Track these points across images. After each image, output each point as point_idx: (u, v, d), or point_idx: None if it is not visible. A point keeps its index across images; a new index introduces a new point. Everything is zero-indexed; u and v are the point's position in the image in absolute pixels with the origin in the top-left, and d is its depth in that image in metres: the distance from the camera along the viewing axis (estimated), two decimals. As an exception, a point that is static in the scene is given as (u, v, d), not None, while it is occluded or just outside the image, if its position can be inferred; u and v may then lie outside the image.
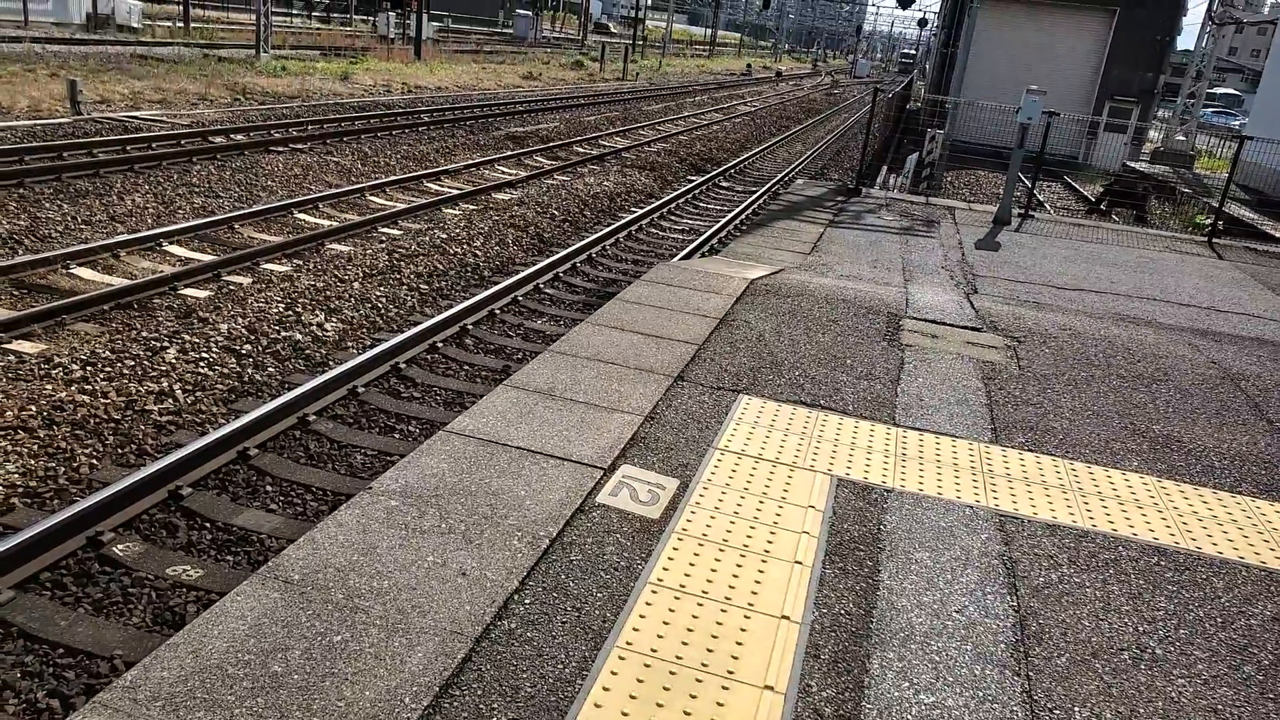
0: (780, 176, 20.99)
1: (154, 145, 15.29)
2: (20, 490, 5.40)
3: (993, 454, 5.12)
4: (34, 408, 6.23)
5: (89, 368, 6.93)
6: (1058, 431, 5.56)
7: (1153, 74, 30.01)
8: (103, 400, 6.50)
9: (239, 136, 17.15)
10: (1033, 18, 30.08)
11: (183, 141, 15.95)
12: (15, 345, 7.28)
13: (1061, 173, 26.21)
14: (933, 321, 7.68)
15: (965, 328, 7.61)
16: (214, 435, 5.87)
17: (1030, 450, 5.23)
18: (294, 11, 63.32)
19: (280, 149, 16.66)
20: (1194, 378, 6.94)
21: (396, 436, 6.65)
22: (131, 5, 37.62)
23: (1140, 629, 3.64)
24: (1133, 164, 27.57)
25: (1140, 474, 5.09)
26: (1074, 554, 4.15)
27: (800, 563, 3.82)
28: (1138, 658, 3.45)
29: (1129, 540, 4.33)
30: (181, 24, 40.05)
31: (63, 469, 5.67)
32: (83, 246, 9.57)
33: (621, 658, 3.12)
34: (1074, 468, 5.07)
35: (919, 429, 5.36)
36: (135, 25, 36.65)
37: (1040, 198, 21.18)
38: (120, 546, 5.00)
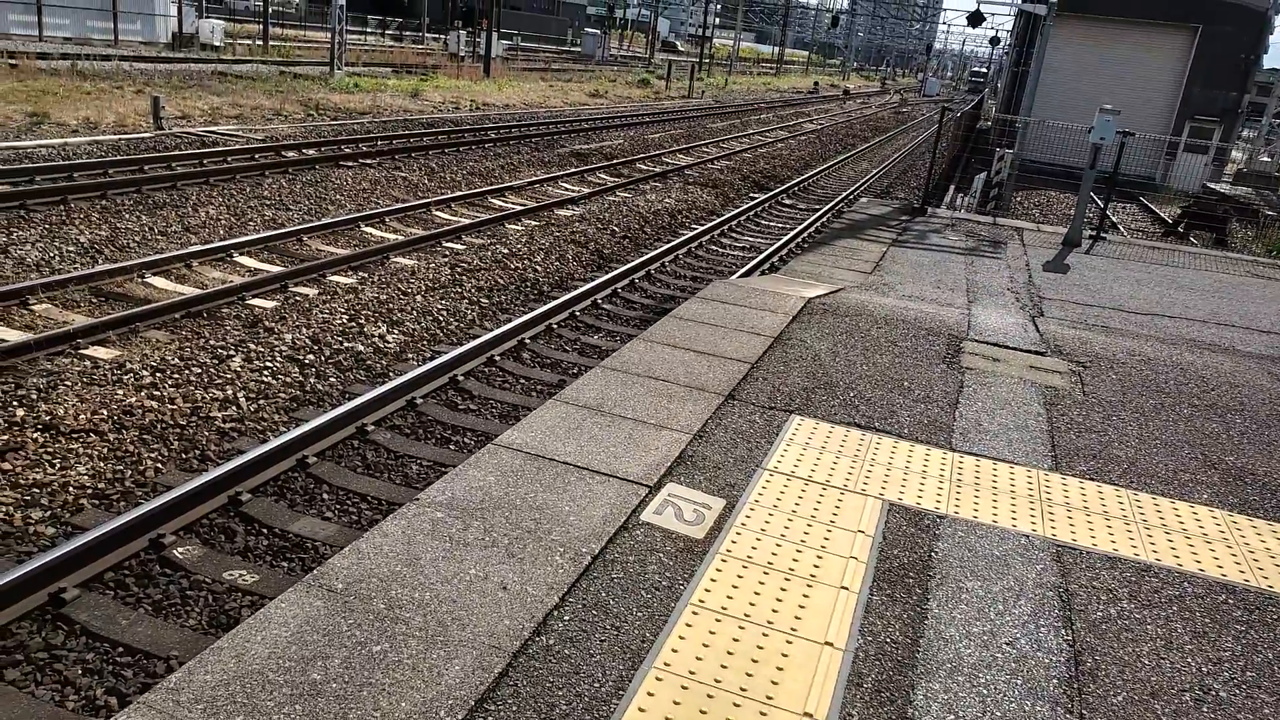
0: (844, 195, 20.85)
1: (229, 159, 15.70)
2: (89, 491, 5.55)
3: (1052, 482, 5.00)
4: (105, 412, 6.41)
5: (158, 374, 7.11)
6: (1122, 460, 5.40)
7: (1236, 93, 29.22)
8: (170, 406, 6.66)
9: (310, 151, 17.52)
10: (1109, 36, 29.49)
11: (256, 155, 16.35)
12: (91, 351, 7.50)
13: (1137, 194, 25.63)
14: (995, 344, 7.54)
15: (1029, 351, 7.46)
16: (274, 443, 5.97)
17: (1092, 479, 5.09)
18: (368, 30, 64.64)
19: (350, 164, 16.98)
20: (1272, 408, 6.70)
21: (452, 448, 6.70)
22: (215, 24, 38.74)
23: (1204, 669, 3.51)
24: (1213, 185, 26.86)
25: (1210, 507, 4.93)
26: (1135, 588, 4.03)
27: (846, 588, 3.75)
28: (1200, 699, 3.33)
29: (1195, 576, 4.19)
30: (261, 42, 41.11)
31: (129, 472, 5.81)
32: (158, 256, 9.84)
33: (659, 678, 3.10)
34: (1138, 499, 4.92)
35: (976, 454, 5.25)
36: (218, 44, 37.72)
37: (1114, 219, 20.73)
38: (180, 549, 5.10)
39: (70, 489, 5.53)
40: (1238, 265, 13.50)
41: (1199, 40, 28.87)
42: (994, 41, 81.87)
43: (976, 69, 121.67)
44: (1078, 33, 29.31)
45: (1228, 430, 6.10)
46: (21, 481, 5.52)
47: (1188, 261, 13.34)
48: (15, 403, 6.40)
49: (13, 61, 23.44)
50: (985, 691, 3.21)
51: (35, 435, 6.03)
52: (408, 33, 65.40)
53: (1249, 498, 5.10)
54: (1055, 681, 3.31)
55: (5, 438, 5.95)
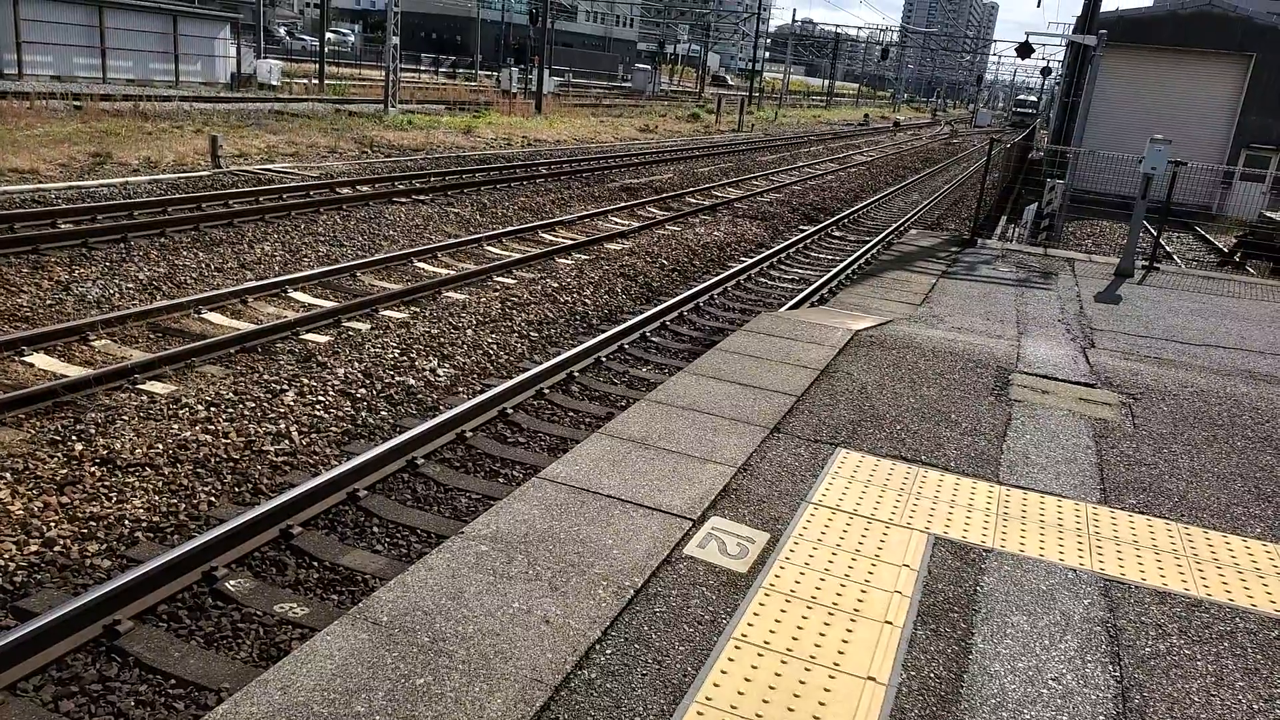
0: (894, 227, 20.77)
1: (284, 196, 16.06)
2: (144, 525, 5.67)
3: (1100, 515, 4.93)
4: (161, 446, 6.56)
5: (213, 408, 7.26)
6: (1173, 494, 5.32)
7: (1293, 121, 28.74)
8: (224, 440, 6.80)
9: (364, 188, 17.86)
10: (1160, 65, 29.19)
11: (311, 193, 16.70)
12: (148, 386, 7.69)
13: (1192, 224, 25.25)
14: (1044, 376, 7.46)
15: (1078, 383, 7.37)
16: (325, 476, 6.06)
17: (1141, 513, 5.02)
18: (422, 68, 65.89)
19: (403, 200, 17.28)
20: (1328, 440, 6.55)
21: (501, 481, 6.76)
22: (272, 65, 39.81)
23: (1255, 707, 3.44)
24: (1271, 214, 26.36)
25: (1263, 541, 4.83)
26: (1184, 624, 3.96)
27: (890, 623, 3.73)
28: (1250, 738, 3.26)
29: (1247, 611, 4.11)
30: (317, 81, 42.08)
31: (183, 505, 5.94)
32: (214, 292, 10.09)
33: (700, 713, 3.10)
34: (1189, 532, 4.84)
35: (1023, 488, 5.20)
36: (275, 83, 38.73)
37: (1169, 249, 20.42)
38: (232, 582, 5.20)
39: (126, 522, 5.66)
40: (1297, 295, 13.22)
41: (1253, 68, 28.48)
42: (1045, 72, 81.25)
43: (1023, 98, 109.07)
44: (1129, 63, 29.04)
45: (1285, 464, 5.97)
46: (79, 515, 5.67)
47: (1243, 291, 13.09)
48: (74, 437, 6.58)
49: (78, 103, 24.22)
50: (1030, 729, 3.18)
51: (93, 469, 6.19)
52: (461, 70, 66.55)
53: (1307, 533, 4.98)
54: (1102, 718, 3.26)
55: (64, 471, 6.12)
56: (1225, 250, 20.80)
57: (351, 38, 75.40)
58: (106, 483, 6.06)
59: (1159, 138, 12.56)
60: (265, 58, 41.89)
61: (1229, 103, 29.12)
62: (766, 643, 3.53)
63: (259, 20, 45.25)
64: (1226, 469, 5.78)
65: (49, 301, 9.61)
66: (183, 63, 35.82)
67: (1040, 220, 18.12)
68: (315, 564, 5.50)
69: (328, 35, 53.32)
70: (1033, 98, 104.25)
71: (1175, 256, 20.05)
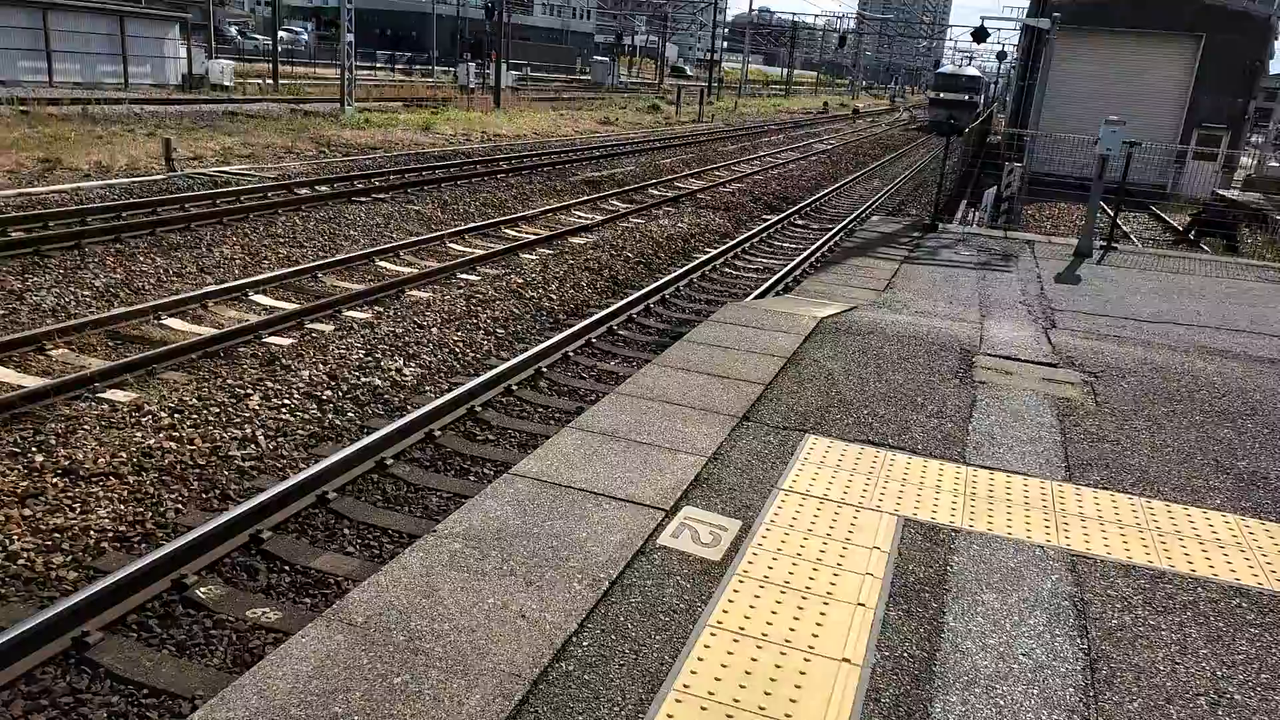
0: (856, 214, 20.90)
1: (242, 199, 15.87)
2: (110, 534, 5.61)
3: (1065, 493, 5.01)
4: (124, 454, 6.49)
5: (177, 415, 7.19)
6: (1135, 469, 5.41)
7: (1243, 100, 29.22)
8: (189, 446, 6.73)
9: (323, 188, 17.70)
10: (1113, 47, 29.58)
11: (269, 194, 16.52)
12: (109, 394, 7.59)
13: (1148, 203, 25.61)
14: (1007, 358, 7.56)
15: (1041, 363, 7.47)
16: (294, 480, 6.03)
17: (1105, 488, 5.10)
18: (378, 65, 65.37)
19: (363, 199, 17.14)
20: (1284, 412, 6.69)
21: (472, 479, 6.75)
22: (224, 65, 39.32)
23: (1218, 673, 3.51)
24: (1223, 192, 26.80)
25: (1222, 512, 4.93)
26: (1149, 595, 4.03)
27: (863, 605, 3.78)
28: (1215, 703, 3.33)
29: (1208, 581, 4.19)
30: (271, 81, 41.62)
31: (150, 514, 5.88)
32: (173, 298, 9.97)
33: (678, 700, 3.13)
34: (1151, 506, 4.93)
35: (989, 468, 5.27)
36: (227, 84, 38.26)
37: (1125, 229, 20.70)
38: (203, 589, 5.16)
39: (91, 532, 5.59)
40: (1249, 271, 13.46)
41: (1204, 48, 28.95)
42: (1000, 56, 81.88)
43: (950, 71, 70.84)
44: (1082, 45, 29.41)
45: (1239, 435, 6.10)
46: (42, 527, 5.59)
47: (1199, 268, 13.31)
48: (35, 448, 6.48)
49: (24, 108, 23.77)
50: (1002, 703, 3.23)
51: (55, 480, 6.10)
52: (417, 66, 66.08)
53: (1261, 501, 5.09)
54: (1071, 690, 3.33)
55: (26, 484, 6.02)
56: (1180, 228, 21.13)
57: (305, 36, 74.59)
58: (70, 493, 5.98)
59: (1113, 119, 12.73)
60: (217, 58, 41.35)
61: (1181, 83, 29.57)
62: (742, 629, 3.56)
63: (209, 19, 44.68)
64: (1186, 443, 5.89)
65: (2, 312, 9.45)
66: (132, 64, 35.29)
67: (1000, 203, 18.32)
68: (287, 568, 5.47)
69: (280, 34, 52.77)
70: (970, 71, 71.87)
71: (1132, 236, 20.33)
